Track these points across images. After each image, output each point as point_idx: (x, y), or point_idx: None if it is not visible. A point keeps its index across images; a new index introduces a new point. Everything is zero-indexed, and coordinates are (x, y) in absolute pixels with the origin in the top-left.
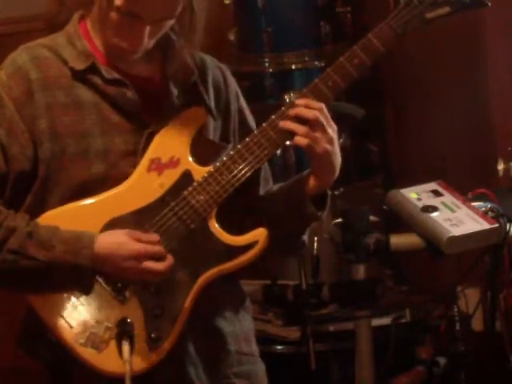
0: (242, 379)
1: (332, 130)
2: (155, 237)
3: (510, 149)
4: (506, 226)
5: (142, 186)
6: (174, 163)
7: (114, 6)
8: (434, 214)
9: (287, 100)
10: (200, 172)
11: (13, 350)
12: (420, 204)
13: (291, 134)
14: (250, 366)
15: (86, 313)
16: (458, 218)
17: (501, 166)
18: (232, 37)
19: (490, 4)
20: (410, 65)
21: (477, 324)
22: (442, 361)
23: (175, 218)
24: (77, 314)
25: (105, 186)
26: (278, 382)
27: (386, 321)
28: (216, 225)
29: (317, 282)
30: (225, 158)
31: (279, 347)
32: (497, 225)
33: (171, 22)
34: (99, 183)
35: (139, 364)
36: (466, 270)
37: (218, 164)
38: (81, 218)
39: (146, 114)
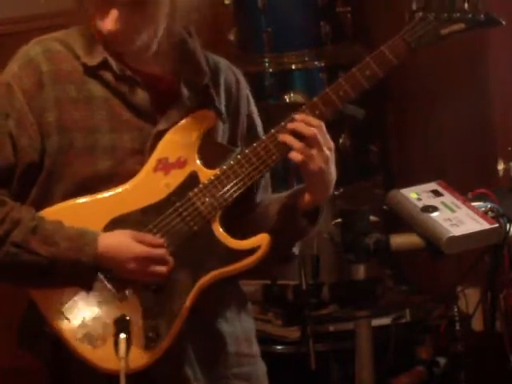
0: (241, 380)
1: (328, 149)
2: (159, 240)
3: (510, 149)
4: (506, 225)
5: (147, 185)
6: (181, 164)
7: None
8: (434, 214)
9: (287, 100)
10: (207, 174)
11: (13, 349)
12: (420, 204)
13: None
14: (250, 367)
15: (85, 309)
16: (458, 218)
17: (501, 166)
18: (232, 37)
19: (504, 23)
20: (410, 65)
21: (477, 324)
22: (441, 361)
23: (179, 219)
24: (76, 309)
25: (111, 182)
26: (278, 382)
27: (386, 321)
28: (220, 228)
29: (317, 282)
30: (232, 162)
31: (279, 347)
32: (497, 225)
33: (154, 13)
34: (105, 180)
35: (135, 362)
36: (466, 270)
37: (224, 167)
38: (85, 214)
39: (156, 112)
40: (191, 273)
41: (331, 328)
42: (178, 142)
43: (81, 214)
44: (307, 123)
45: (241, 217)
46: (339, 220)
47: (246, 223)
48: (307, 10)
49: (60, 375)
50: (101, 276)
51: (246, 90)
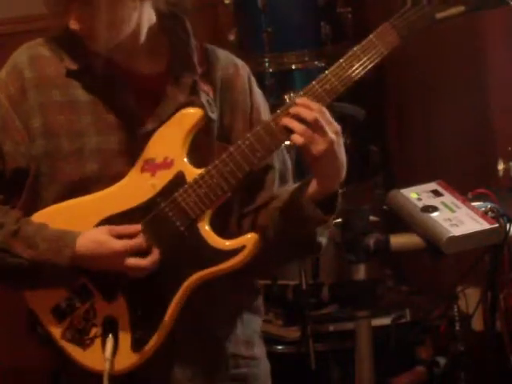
0: (237, 382)
1: (334, 132)
2: (134, 227)
3: (509, 149)
4: (506, 226)
5: (134, 186)
6: (167, 164)
7: None
8: (434, 214)
9: (287, 100)
10: (193, 174)
11: (13, 350)
12: (420, 204)
13: (288, 134)
14: (249, 369)
15: (72, 310)
16: (457, 218)
17: (501, 166)
18: (232, 37)
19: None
20: (411, 65)
21: (477, 324)
22: (441, 361)
23: (165, 220)
24: (64, 310)
25: (99, 185)
26: (278, 382)
27: (386, 321)
28: (206, 227)
29: (317, 282)
30: (217, 161)
31: (279, 347)
32: (497, 225)
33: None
34: (93, 182)
35: (121, 364)
36: (465, 270)
37: (209, 167)
38: (73, 216)
39: (143, 113)
40: (177, 274)
41: (331, 328)
42: (165, 142)
43: (70, 216)
44: (307, 107)
45: (246, 215)
46: (339, 220)
47: (256, 219)
48: (307, 10)
49: (57, 375)
50: (84, 278)
51: (247, 83)
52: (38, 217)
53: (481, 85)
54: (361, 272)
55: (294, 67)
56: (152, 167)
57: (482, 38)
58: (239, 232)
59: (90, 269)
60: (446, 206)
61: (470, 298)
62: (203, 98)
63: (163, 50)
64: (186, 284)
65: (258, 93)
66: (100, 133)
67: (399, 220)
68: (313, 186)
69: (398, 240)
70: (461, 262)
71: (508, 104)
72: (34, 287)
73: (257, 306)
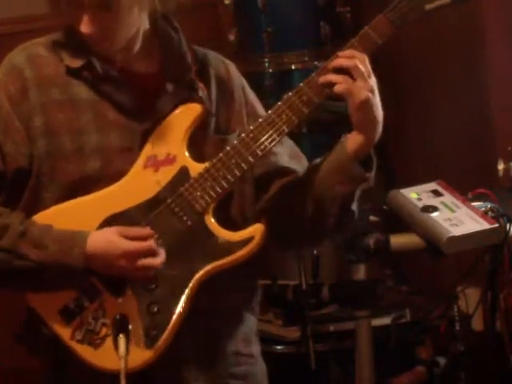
0: (237, 380)
1: (373, 80)
2: (146, 231)
3: (509, 149)
4: (506, 226)
5: (138, 183)
6: (170, 160)
7: None
8: (434, 214)
9: None
10: (197, 168)
11: (13, 350)
12: (420, 204)
13: (325, 93)
14: (248, 367)
15: (82, 309)
16: (457, 218)
17: (501, 166)
18: (232, 37)
19: None
20: (410, 65)
21: (477, 324)
22: (441, 361)
23: (172, 215)
24: (73, 310)
25: (101, 183)
26: (278, 382)
27: (386, 321)
28: (212, 220)
29: (317, 282)
30: (221, 154)
31: (279, 347)
32: (497, 225)
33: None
34: (95, 180)
35: (135, 361)
36: (466, 270)
37: (214, 160)
38: (78, 216)
39: (143, 110)
40: (187, 268)
41: (331, 328)
42: (165, 138)
43: (74, 215)
44: (347, 57)
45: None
46: None
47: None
48: (307, 10)
49: (60, 375)
50: (94, 277)
51: (238, 79)
52: (40, 218)
53: (480, 83)
54: (361, 272)
55: (293, 67)
56: (155, 163)
57: (481, 36)
58: (245, 223)
59: (99, 269)
60: (445, 205)
61: (470, 298)
62: (201, 94)
63: (155, 51)
64: (197, 276)
65: (249, 88)
66: (100, 130)
67: (399, 220)
68: (351, 146)
69: (398, 240)
70: (461, 262)
71: (508, 102)
72: (38, 289)
73: (253, 305)
